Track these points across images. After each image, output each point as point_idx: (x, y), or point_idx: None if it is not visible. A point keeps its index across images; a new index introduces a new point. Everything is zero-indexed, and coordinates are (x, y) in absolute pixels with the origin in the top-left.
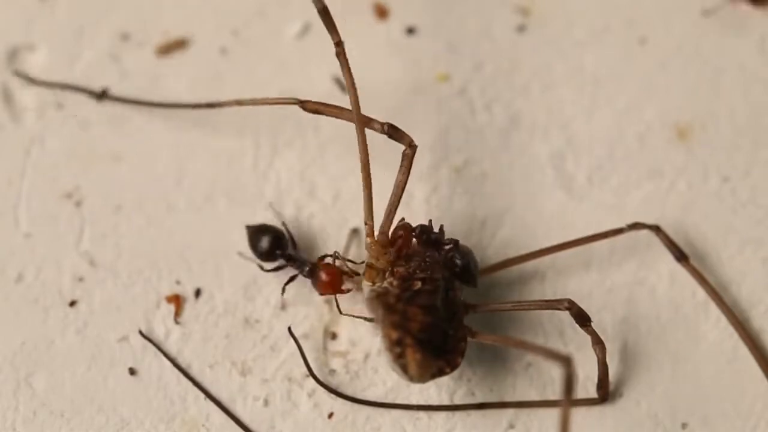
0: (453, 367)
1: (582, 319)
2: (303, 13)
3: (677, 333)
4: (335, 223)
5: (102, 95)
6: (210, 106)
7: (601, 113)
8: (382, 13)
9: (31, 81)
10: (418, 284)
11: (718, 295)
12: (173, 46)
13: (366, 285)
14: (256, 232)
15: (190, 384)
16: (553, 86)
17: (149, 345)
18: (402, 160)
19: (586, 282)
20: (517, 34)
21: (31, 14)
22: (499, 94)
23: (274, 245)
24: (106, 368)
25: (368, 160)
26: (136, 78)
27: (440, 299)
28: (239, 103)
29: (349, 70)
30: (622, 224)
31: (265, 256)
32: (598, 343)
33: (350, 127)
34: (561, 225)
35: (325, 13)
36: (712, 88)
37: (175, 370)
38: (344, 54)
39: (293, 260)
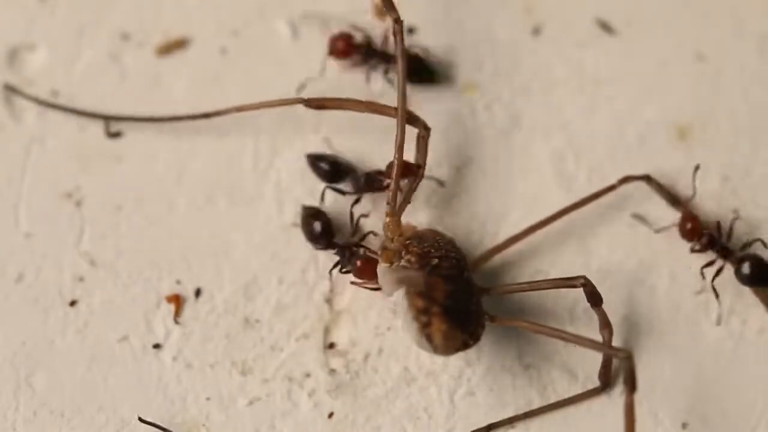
0: (475, 339)
1: (594, 298)
2: (303, 12)
3: (677, 333)
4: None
5: (107, 118)
6: (206, 116)
7: (601, 113)
8: (382, 12)
9: (40, 102)
10: (435, 260)
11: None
12: (173, 46)
13: (384, 266)
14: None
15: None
16: (553, 86)
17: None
18: (417, 143)
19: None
20: (518, 34)
21: (31, 14)
22: (499, 94)
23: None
24: (106, 368)
25: (403, 144)
26: (136, 78)
27: (457, 273)
28: (239, 109)
29: (403, 50)
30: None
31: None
32: (606, 327)
33: (351, 126)
34: (561, 225)
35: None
36: (712, 88)
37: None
38: (401, 33)
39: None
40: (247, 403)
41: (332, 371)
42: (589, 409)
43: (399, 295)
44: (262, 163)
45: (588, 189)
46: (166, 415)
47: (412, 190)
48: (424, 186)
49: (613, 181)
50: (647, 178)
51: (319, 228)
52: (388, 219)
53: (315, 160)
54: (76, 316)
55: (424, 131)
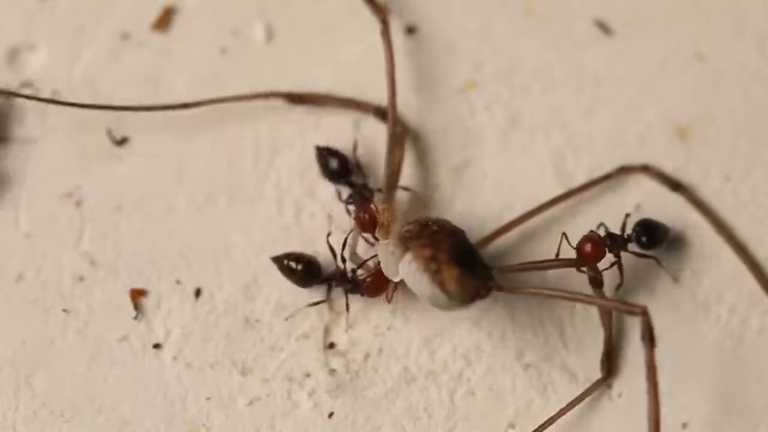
0: (486, 289)
1: (596, 281)
2: (303, 12)
3: (677, 333)
4: (335, 224)
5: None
6: (185, 106)
7: (601, 113)
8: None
9: (51, 101)
10: (435, 228)
11: (720, 221)
12: (173, 46)
13: (383, 242)
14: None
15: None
16: (553, 86)
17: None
18: (391, 141)
19: (587, 286)
20: (518, 33)
21: (31, 14)
22: (499, 94)
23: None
24: (106, 368)
25: (394, 155)
26: (136, 78)
27: (459, 235)
28: (215, 101)
29: (390, 51)
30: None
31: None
32: (607, 312)
33: (350, 125)
34: (561, 225)
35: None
36: (712, 88)
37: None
38: (388, 33)
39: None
40: (247, 403)
41: (332, 371)
42: (589, 408)
43: (405, 262)
44: (262, 163)
45: (588, 189)
46: (166, 415)
47: (396, 181)
48: (423, 187)
49: (612, 181)
50: (645, 168)
51: (336, 165)
52: (382, 206)
53: (325, 156)
54: (76, 316)
55: (403, 131)
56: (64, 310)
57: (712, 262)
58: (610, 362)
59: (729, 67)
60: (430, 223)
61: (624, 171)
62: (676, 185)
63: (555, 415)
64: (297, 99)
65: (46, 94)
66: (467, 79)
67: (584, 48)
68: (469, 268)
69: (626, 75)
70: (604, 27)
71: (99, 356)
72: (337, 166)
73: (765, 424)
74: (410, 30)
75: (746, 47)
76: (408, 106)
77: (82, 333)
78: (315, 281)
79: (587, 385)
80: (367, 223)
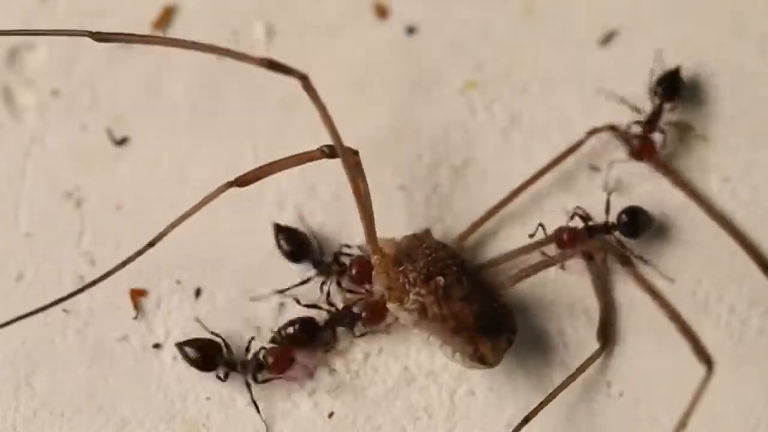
0: (514, 332)
1: (587, 255)
2: (303, 12)
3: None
4: (335, 224)
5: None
6: (151, 244)
7: (601, 113)
8: (382, 12)
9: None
10: (441, 280)
11: (691, 187)
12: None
13: (397, 309)
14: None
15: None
16: (553, 86)
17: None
18: (350, 172)
19: (586, 284)
20: (518, 33)
21: (31, 14)
22: (499, 94)
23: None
24: (106, 368)
25: (358, 185)
26: (136, 78)
27: (467, 282)
28: (174, 225)
29: (320, 103)
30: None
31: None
32: (602, 279)
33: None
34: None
35: (272, 66)
36: (712, 87)
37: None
38: (311, 88)
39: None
40: (247, 403)
41: (332, 371)
42: (589, 409)
43: (430, 340)
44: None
45: (589, 188)
46: (165, 415)
47: (371, 213)
48: (423, 187)
49: (612, 182)
50: (612, 128)
51: (289, 246)
52: (376, 260)
53: (279, 235)
54: (76, 316)
55: (355, 156)
56: (64, 310)
57: (711, 261)
58: (606, 332)
59: (729, 67)
60: (430, 269)
61: (592, 133)
62: (637, 153)
63: (552, 393)
64: (247, 181)
65: (46, 94)
66: (467, 79)
67: (584, 48)
68: (497, 326)
69: (626, 75)
70: (604, 27)
71: (99, 356)
72: (291, 247)
73: (765, 424)
74: (410, 30)
75: (746, 47)
76: (408, 106)
77: (82, 333)
78: (318, 337)
79: (587, 385)
80: (377, 316)
